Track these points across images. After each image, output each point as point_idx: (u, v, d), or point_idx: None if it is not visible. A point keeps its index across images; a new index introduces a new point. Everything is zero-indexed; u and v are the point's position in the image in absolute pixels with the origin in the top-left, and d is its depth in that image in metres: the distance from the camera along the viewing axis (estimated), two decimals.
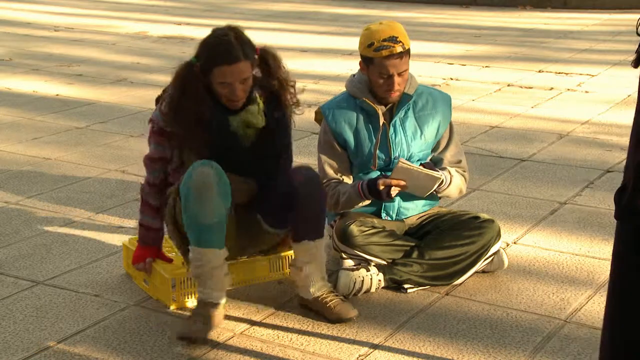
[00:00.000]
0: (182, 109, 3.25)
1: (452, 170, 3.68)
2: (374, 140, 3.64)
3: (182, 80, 3.25)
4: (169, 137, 3.34)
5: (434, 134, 3.71)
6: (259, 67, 3.34)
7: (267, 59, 3.35)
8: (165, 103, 3.31)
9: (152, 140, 3.41)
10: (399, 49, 3.50)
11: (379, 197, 3.53)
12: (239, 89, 3.22)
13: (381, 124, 3.62)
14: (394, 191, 3.50)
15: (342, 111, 3.65)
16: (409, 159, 3.66)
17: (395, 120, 3.65)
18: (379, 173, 3.65)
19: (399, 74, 3.54)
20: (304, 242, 3.30)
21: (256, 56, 3.28)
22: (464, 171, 3.76)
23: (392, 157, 3.65)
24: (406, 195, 3.66)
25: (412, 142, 3.66)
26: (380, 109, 3.63)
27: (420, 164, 3.59)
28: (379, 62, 3.53)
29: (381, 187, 3.49)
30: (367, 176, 3.66)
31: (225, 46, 3.18)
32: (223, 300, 3.22)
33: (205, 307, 3.19)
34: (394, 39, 3.50)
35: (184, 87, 3.24)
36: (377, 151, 3.64)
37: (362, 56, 3.60)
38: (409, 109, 3.67)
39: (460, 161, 3.76)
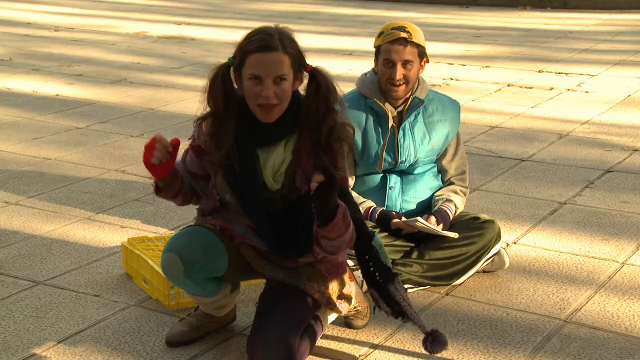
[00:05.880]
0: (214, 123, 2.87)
1: (458, 200, 3.69)
2: (382, 142, 3.63)
3: (213, 83, 2.84)
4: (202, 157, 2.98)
5: (442, 141, 3.71)
6: (308, 89, 2.86)
7: (318, 81, 2.84)
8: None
9: (188, 153, 3.03)
10: (403, 35, 3.51)
11: (385, 228, 3.61)
12: (270, 88, 2.76)
13: (390, 126, 3.62)
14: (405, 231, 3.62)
15: (352, 110, 3.61)
16: (414, 163, 3.67)
17: (405, 124, 3.65)
18: (381, 175, 3.67)
19: (403, 65, 3.53)
20: None
21: (304, 70, 2.87)
22: (466, 188, 3.79)
23: (399, 160, 3.65)
24: (408, 196, 3.68)
25: (419, 147, 3.66)
26: (391, 111, 3.63)
27: (434, 214, 3.60)
28: (384, 48, 3.56)
29: (392, 227, 3.58)
30: (371, 179, 3.66)
31: (262, 35, 2.78)
32: (223, 313, 3.22)
33: (201, 317, 3.21)
34: (401, 28, 3.54)
35: (215, 91, 2.84)
36: (384, 154, 3.63)
37: (375, 50, 3.62)
38: (419, 114, 3.67)
39: (464, 172, 3.78)
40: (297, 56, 2.84)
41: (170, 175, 2.90)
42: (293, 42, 2.84)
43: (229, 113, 2.85)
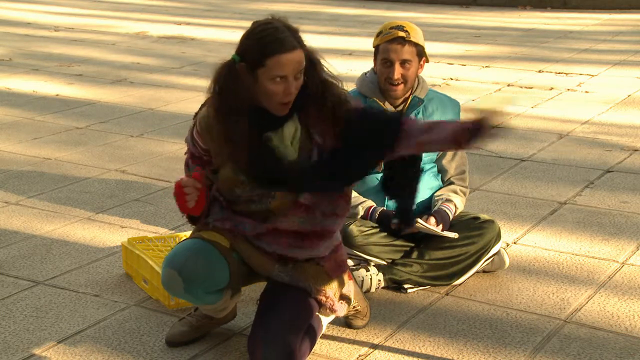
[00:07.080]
0: (223, 121, 2.83)
1: (457, 200, 3.69)
2: None
3: (223, 83, 2.80)
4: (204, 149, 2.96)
5: None
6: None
7: (314, 62, 2.85)
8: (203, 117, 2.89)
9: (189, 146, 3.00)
10: (401, 34, 3.51)
11: (385, 228, 3.60)
12: (293, 85, 2.75)
13: None
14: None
15: None
16: None
17: None
18: (381, 174, 3.67)
19: (401, 64, 3.53)
20: None
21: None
22: (466, 188, 3.78)
23: None
24: None
25: None
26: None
27: (434, 215, 3.59)
28: (382, 47, 3.56)
29: (392, 227, 3.56)
30: (371, 178, 3.66)
31: (277, 34, 2.74)
32: (223, 314, 3.21)
33: (201, 317, 3.21)
34: (400, 27, 3.54)
35: (227, 90, 2.80)
36: None
37: (374, 49, 3.62)
38: (418, 113, 3.67)
39: (464, 172, 3.78)
40: (305, 47, 2.83)
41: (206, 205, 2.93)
42: (298, 32, 2.82)
43: (240, 109, 2.80)
